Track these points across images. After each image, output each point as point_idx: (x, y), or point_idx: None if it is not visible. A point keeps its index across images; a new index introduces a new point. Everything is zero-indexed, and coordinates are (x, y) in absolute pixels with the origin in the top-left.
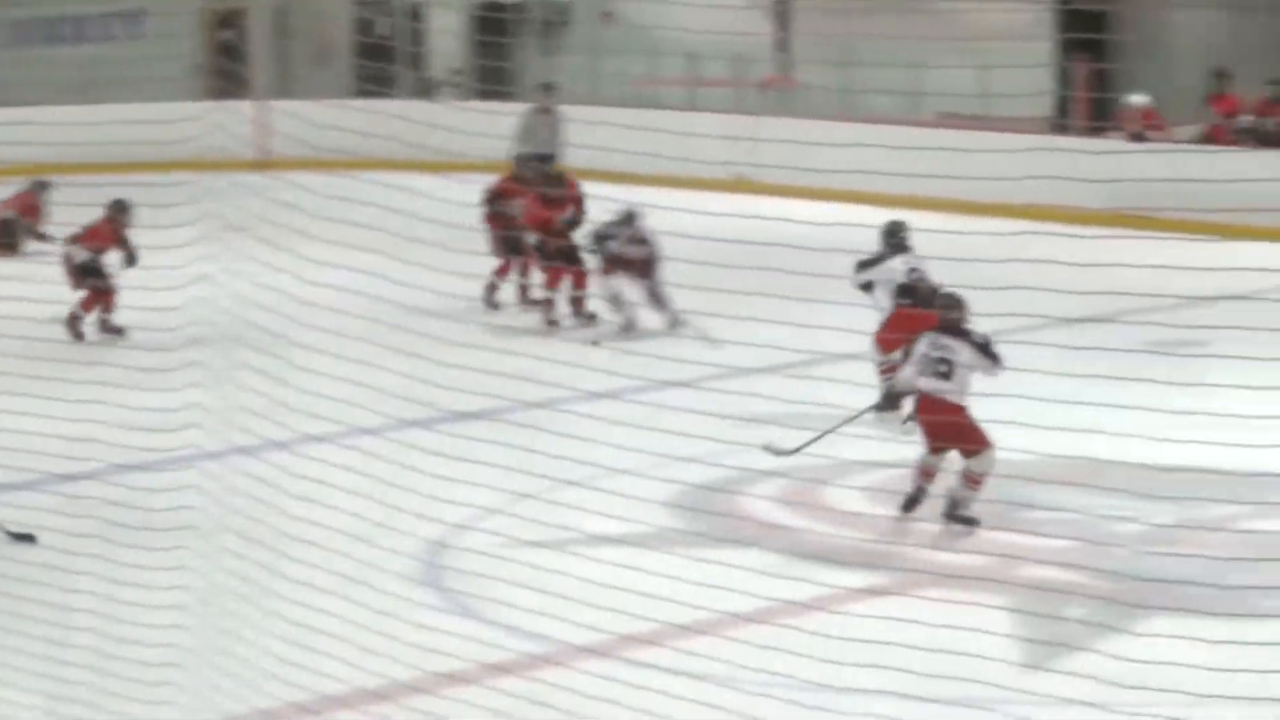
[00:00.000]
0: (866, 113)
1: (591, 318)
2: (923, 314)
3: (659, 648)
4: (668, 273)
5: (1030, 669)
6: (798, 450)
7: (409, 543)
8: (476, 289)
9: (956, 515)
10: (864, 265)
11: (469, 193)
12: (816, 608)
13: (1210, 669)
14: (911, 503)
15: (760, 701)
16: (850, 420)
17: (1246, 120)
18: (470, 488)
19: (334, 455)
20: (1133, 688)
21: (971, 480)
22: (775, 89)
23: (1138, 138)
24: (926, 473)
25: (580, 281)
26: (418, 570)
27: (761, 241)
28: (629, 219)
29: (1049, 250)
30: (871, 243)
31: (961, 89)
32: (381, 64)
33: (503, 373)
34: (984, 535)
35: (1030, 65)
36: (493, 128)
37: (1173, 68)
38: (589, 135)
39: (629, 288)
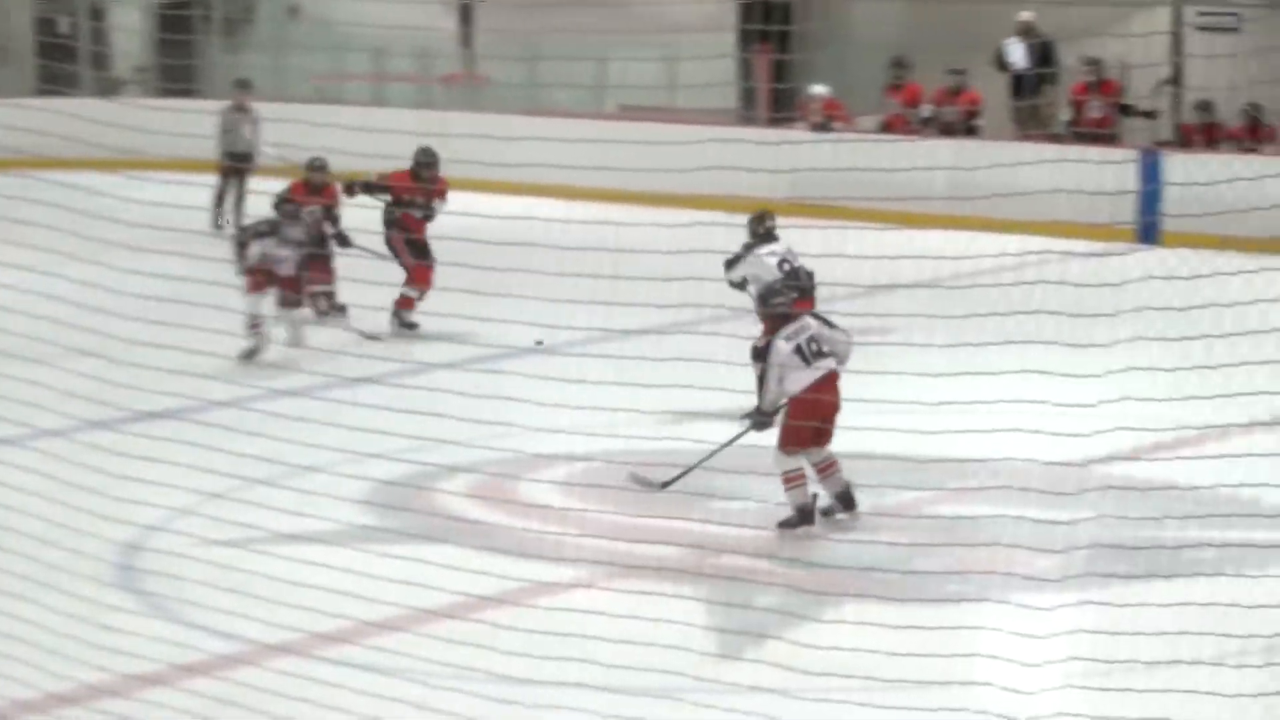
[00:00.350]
0: (551, 107)
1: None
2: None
3: (350, 645)
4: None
5: (720, 658)
6: (668, 484)
7: (99, 545)
8: (167, 288)
9: (848, 498)
10: (731, 263)
11: (158, 192)
12: (507, 602)
13: (894, 654)
14: (812, 513)
15: (451, 696)
16: (726, 446)
17: (927, 110)
18: (160, 489)
19: (18, 458)
20: (819, 674)
21: (835, 464)
22: (460, 85)
23: (820, 128)
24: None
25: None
26: (109, 572)
27: (450, 237)
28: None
29: (730, 241)
30: (560, 236)
31: (646, 81)
32: (63, 63)
33: (191, 372)
34: (673, 525)
35: (713, 57)
36: (177, 126)
37: (853, 58)
38: (277, 133)
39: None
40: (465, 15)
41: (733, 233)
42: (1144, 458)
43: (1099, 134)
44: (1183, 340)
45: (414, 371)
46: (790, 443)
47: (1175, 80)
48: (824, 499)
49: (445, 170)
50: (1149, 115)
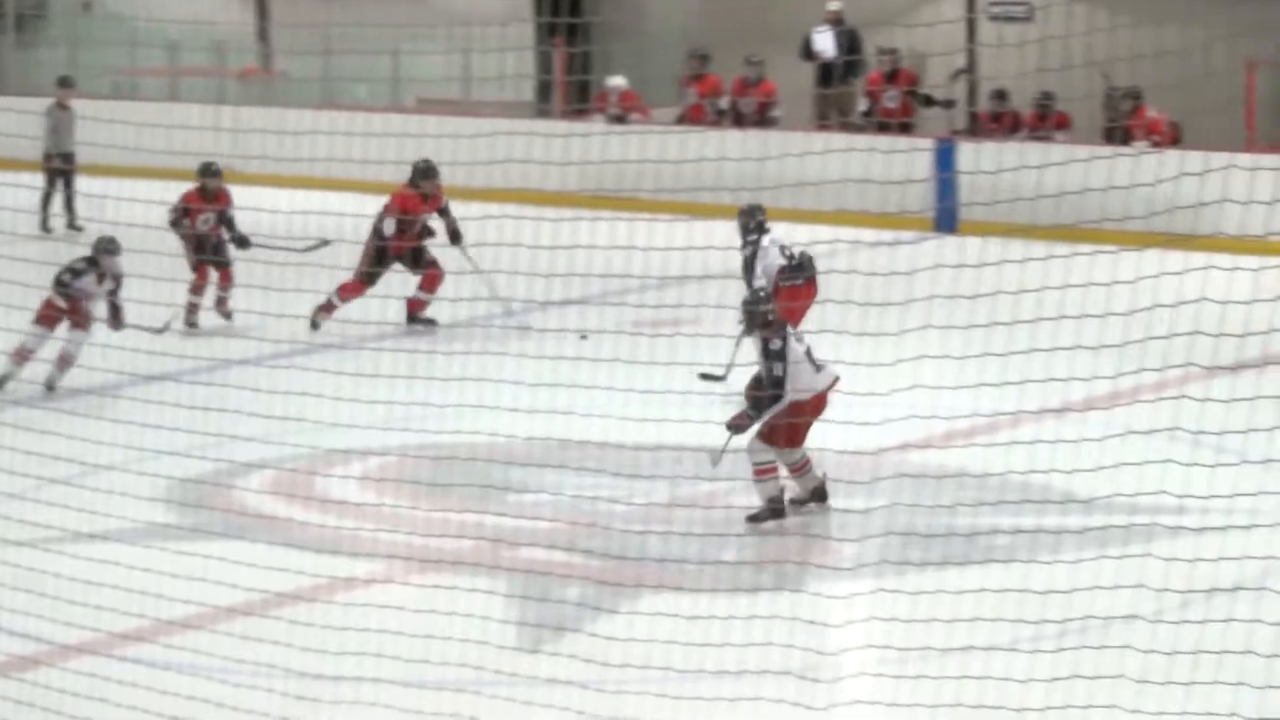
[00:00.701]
0: (348, 101)
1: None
2: (803, 287)
3: (149, 643)
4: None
5: (519, 651)
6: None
7: None
8: None
9: (821, 493)
10: (749, 262)
11: None
12: (306, 598)
13: (692, 644)
14: (782, 511)
15: (251, 694)
16: (724, 449)
17: (725, 101)
18: None
19: None
20: (617, 666)
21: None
22: (256, 79)
23: (618, 120)
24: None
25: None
26: None
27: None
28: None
29: (533, 234)
30: (353, 232)
31: (442, 75)
32: None
33: None
34: (471, 519)
35: (510, 49)
36: None
37: (651, 50)
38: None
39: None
40: (261, 9)
41: (524, 226)
42: (937, 445)
43: (896, 123)
44: (971, 328)
45: (210, 368)
46: (782, 440)
47: (970, 70)
48: (792, 490)
49: (238, 165)
50: (945, 105)
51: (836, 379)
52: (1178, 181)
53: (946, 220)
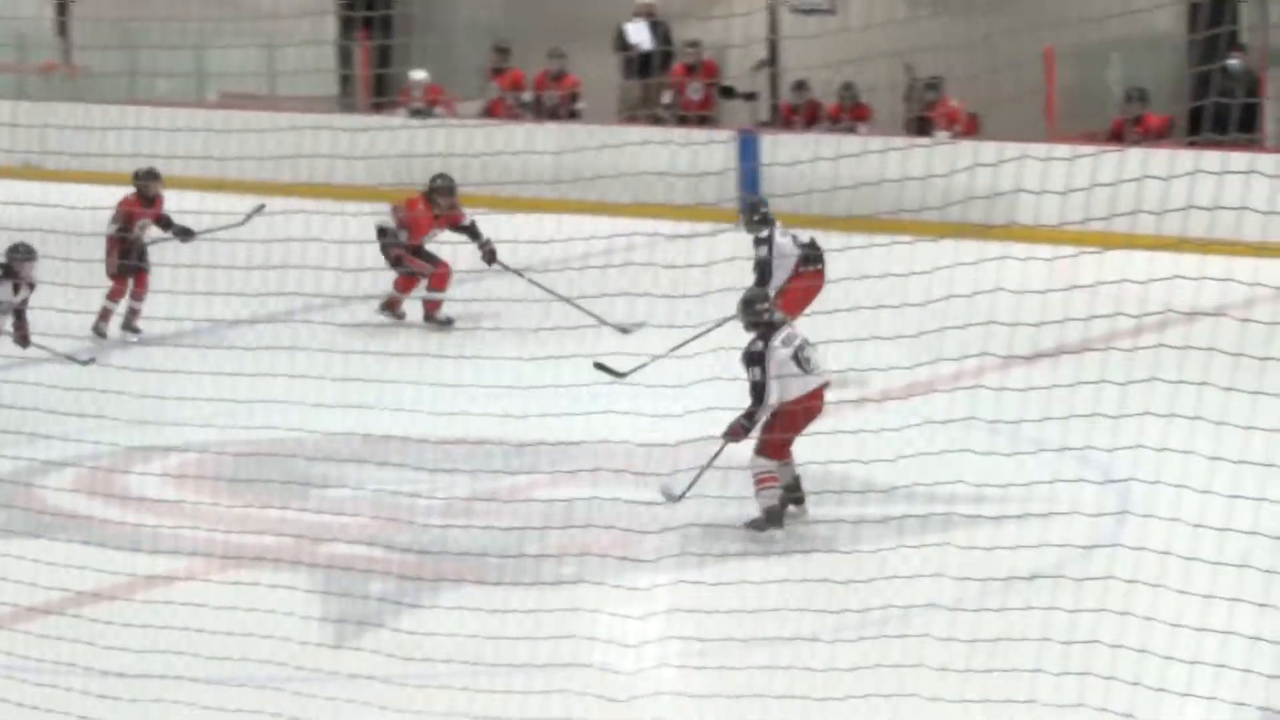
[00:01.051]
0: (151, 96)
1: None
2: (818, 272)
3: None
4: None
5: (324, 647)
6: (682, 496)
7: None
8: None
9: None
10: (763, 263)
11: None
12: (108, 596)
13: (496, 638)
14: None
15: (53, 693)
16: (715, 458)
17: (529, 94)
18: None
19: None
20: (422, 660)
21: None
22: (58, 74)
23: (421, 114)
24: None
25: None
26: None
27: (53, 229)
28: None
29: (340, 229)
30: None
31: (246, 69)
32: None
33: None
34: (277, 515)
35: (313, 43)
36: None
37: (454, 43)
38: None
39: None
40: (61, 4)
41: (331, 221)
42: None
43: (700, 116)
44: None
45: (8, 366)
46: (774, 450)
47: (772, 62)
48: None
49: (35, 161)
50: (746, 97)
51: (827, 383)
52: (972, 172)
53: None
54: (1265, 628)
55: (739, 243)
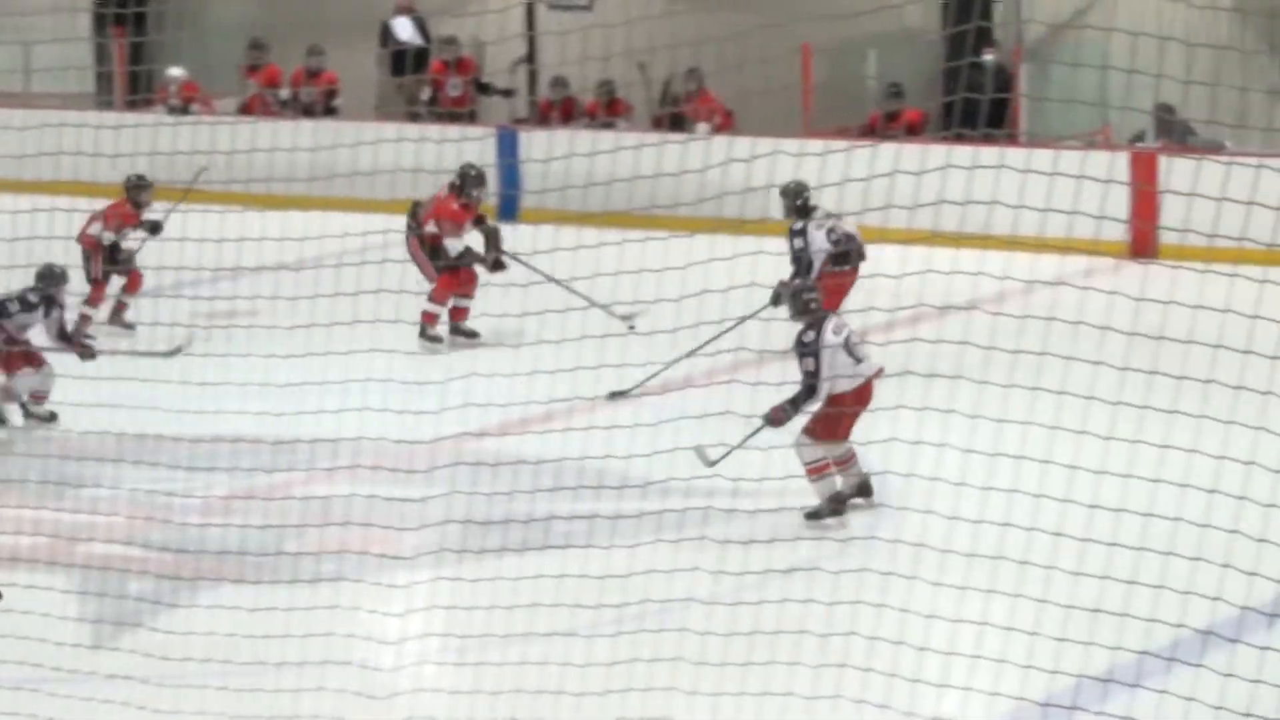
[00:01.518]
0: None
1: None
2: (848, 272)
3: None
4: None
5: (81, 647)
6: (718, 461)
7: None
8: None
9: (866, 488)
10: (799, 254)
11: None
12: None
13: (254, 636)
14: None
15: None
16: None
17: (286, 91)
18: None
19: None
20: (179, 660)
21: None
22: None
23: (179, 111)
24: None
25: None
26: None
27: None
28: None
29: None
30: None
31: (1, 66)
32: None
33: None
34: (31, 515)
35: (67, 40)
36: None
37: (211, 40)
38: None
39: None
40: None
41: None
42: (494, 433)
43: (458, 113)
44: (525, 315)
45: None
46: (826, 435)
47: (530, 58)
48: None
49: None
50: (505, 93)
51: (880, 369)
52: (725, 168)
53: (508, 208)
54: (1018, 619)
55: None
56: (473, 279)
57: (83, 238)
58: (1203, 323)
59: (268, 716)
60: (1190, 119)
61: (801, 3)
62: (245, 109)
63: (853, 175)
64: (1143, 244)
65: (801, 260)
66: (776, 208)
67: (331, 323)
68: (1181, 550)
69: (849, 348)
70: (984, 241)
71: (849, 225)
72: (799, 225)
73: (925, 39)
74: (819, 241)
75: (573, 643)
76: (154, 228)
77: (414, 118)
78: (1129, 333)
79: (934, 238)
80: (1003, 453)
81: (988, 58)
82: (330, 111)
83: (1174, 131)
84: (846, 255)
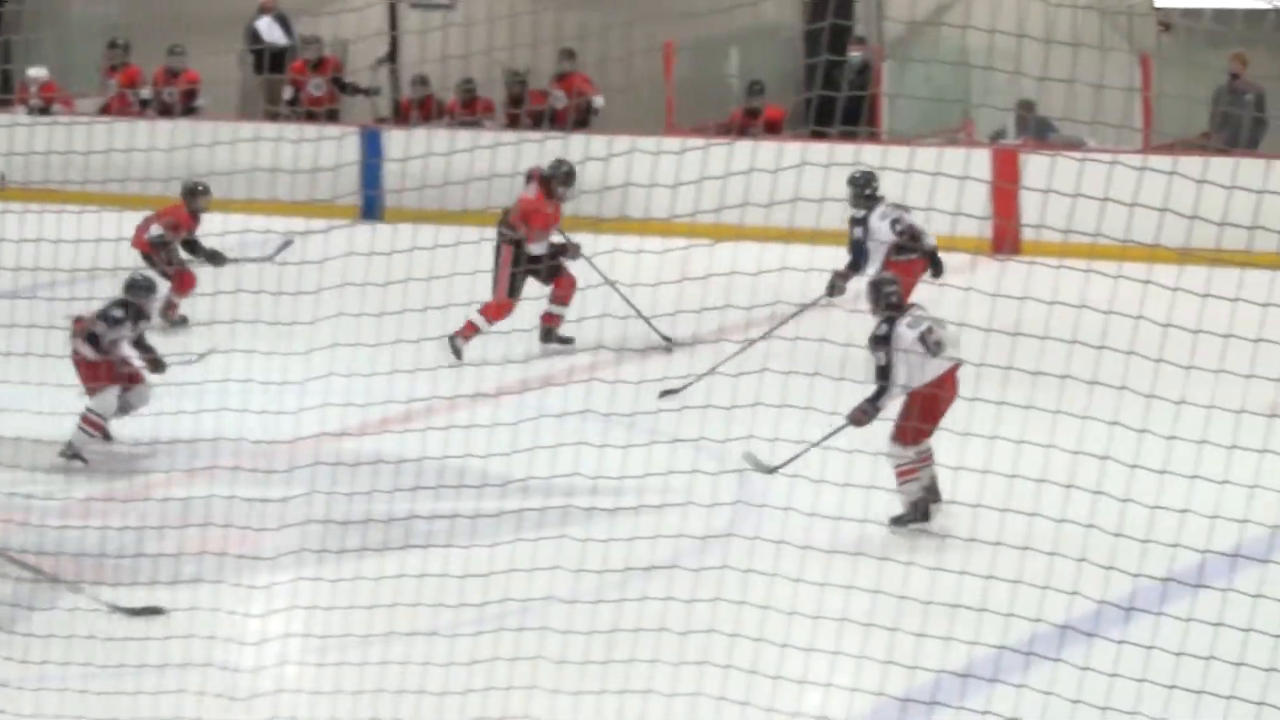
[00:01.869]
0: None
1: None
2: (913, 262)
3: None
4: None
5: None
6: (778, 468)
7: None
8: None
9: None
10: (860, 245)
11: None
12: None
13: (117, 639)
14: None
15: None
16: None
17: (146, 91)
18: None
19: None
20: (38, 663)
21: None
22: None
23: (40, 111)
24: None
25: None
26: None
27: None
28: None
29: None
30: None
31: None
32: None
33: None
34: None
35: None
36: None
37: (71, 39)
38: None
39: None
40: None
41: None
42: (353, 433)
43: (320, 112)
44: (384, 315)
45: None
46: (910, 437)
47: (392, 57)
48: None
49: None
50: (368, 92)
51: (959, 362)
52: (583, 166)
53: (371, 208)
54: (878, 614)
55: (355, 239)
56: (572, 286)
57: (137, 241)
58: (1059, 317)
59: (129, 719)
60: (1049, 116)
61: (663, 0)
62: (106, 109)
63: (709, 173)
64: (1003, 240)
65: (860, 250)
66: (634, 206)
67: (191, 323)
68: (1038, 545)
69: (924, 340)
70: (841, 239)
71: (914, 218)
72: (860, 214)
73: (784, 36)
74: (882, 232)
75: (434, 642)
76: (214, 258)
77: (275, 117)
78: (985, 329)
79: (790, 235)
80: (860, 449)
81: (855, 55)
82: (191, 111)
83: (1033, 128)
84: (912, 246)
